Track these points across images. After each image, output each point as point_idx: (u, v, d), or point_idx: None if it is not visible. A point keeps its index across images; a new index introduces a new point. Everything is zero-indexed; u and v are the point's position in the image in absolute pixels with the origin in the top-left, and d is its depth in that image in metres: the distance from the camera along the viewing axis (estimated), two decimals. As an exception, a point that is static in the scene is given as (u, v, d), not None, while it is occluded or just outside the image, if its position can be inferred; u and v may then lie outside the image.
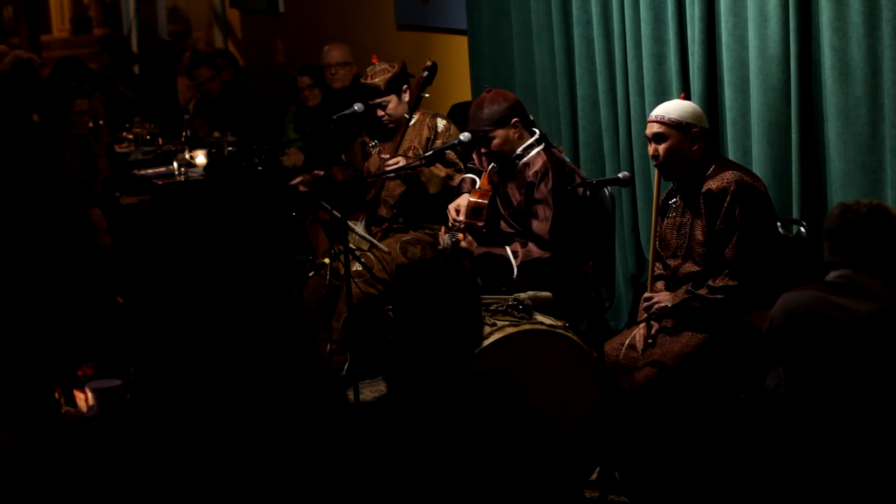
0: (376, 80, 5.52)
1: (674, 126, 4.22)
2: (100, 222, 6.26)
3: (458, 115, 6.25)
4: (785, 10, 4.47)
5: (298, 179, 6.15)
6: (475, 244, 4.87)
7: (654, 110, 4.30)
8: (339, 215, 5.01)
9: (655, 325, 4.32)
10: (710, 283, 4.19)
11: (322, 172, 6.22)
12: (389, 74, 5.52)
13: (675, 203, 4.36)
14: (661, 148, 4.23)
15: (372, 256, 5.45)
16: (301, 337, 5.46)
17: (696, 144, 4.24)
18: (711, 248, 4.21)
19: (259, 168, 6.38)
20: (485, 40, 6.44)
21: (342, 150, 6.09)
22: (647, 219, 5.33)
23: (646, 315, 4.34)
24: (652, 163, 4.38)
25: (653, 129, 4.26)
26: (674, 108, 4.27)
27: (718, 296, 4.16)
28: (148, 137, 7.63)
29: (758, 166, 4.63)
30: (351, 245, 4.91)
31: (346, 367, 5.38)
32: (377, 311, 5.35)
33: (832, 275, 3.47)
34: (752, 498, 2.15)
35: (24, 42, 11.95)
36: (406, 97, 5.58)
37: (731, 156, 4.71)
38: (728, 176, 4.16)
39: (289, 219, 6.31)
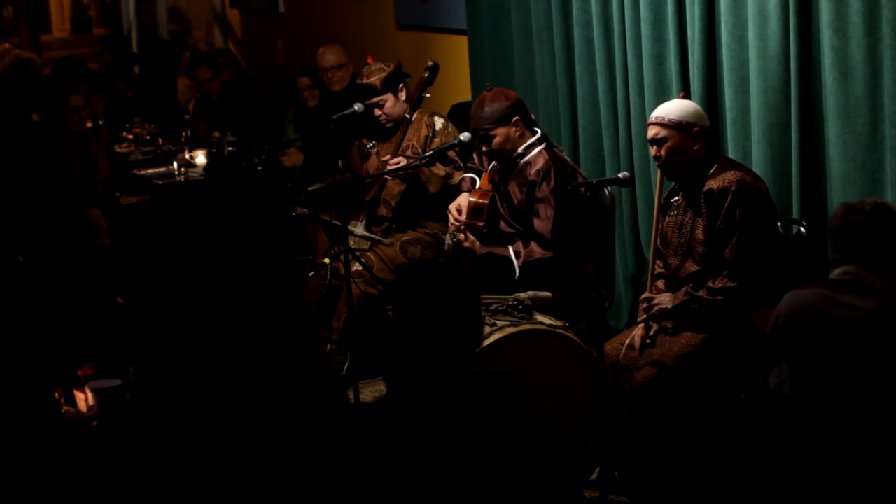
0: (372, 79, 5.53)
1: (674, 126, 4.22)
2: (100, 223, 6.26)
3: (459, 115, 6.25)
4: (785, 10, 4.47)
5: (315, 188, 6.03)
6: (478, 244, 4.87)
7: (654, 111, 4.30)
8: (338, 223, 5.00)
9: (655, 326, 4.32)
10: (710, 284, 4.18)
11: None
12: (385, 73, 5.53)
13: (676, 201, 4.35)
14: (663, 149, 4.23)
15: (372, 256, 5.44)
16: (301, 337, 5.46)
17: (697, 144, 4.24)
18: (712, 248, 4.20)
19: (259, 168, 6.37)
20: (485, 40, 6.44)
21: (342, 150, 6.08)
22: (647, 219, 5.33)
23: (645, 316, 4.34)
24: (654, 163, 4.38)
25: (654, 130, 4.25)
26: (674, 108, 4.27)
27: (718, 297, 4.16)
28: (148, 137, 7.63)
29: (758, 166, 4.63)
30: (351, 245, 4.91)
31: (346, 367, 5.38)
32: (377, 311, 5.34)
33: (836, 272, 3.48)
34: (752, 498, 2.16)
35: (25, 42, 11.95)
36: (402, 96, 5.59)
37: (731, 156, 4.71)
38: (729, 176, 4.16)
39: (289, 219, 6.31)
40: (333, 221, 5.00)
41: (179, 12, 13.20)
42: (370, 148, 5.75)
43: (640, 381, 4.18)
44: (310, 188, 5.96)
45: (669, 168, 4.28)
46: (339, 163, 5.98)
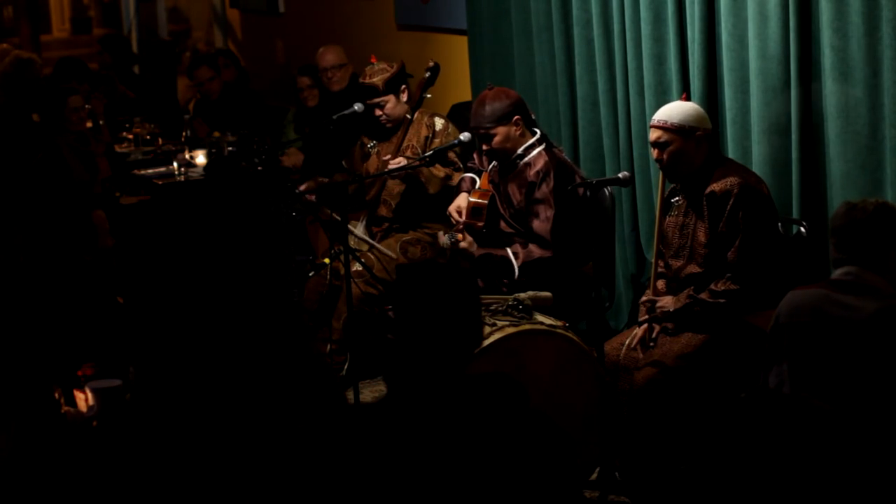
0: (374, 79, 5.52)
1: (677, 130, 4.20)
2: (102, 224, 6.27)
3: (459, 115, 6.25)
4: (785, 10, 4.47)
5: (304, 188, 6.07)
6: (475, 245, 4.87)
7: (656, 114, 4.28)
8: (339, 218, 5.01)
9: (657, 328, 4.32)
10: (712, 287, 4.18)
11: (326, 179, 6.20)
12: (388, 74, 5.53)
13: (677, 202, 4.35)
14: (665, 153, 4.22)
15: (372, 256, 5.44)
16: (301, 337, 5.46)
17: (699, 147, 4.23)
18: (713, 251, 4.20)
19: (259, 168, 6.38)
20: (485, 40, 6.44)
21: (342, 150, 6.08)
22: (648, 219, 5.33)
23: (647, 316, 4.34)
24: (656, 166, 4.37)
25: (656, 134, 4.23)
26: (676, 111, 4.25)
27: (720, 300, 4.15)
28: (148, 137, 7.64)
29: (758, 166, 4.63)
30: (351, 245, 4.91)
31: (346, 367, 5.38)
32: (377, 311, 5.34)
33: (837, 272, 3.47)
34: (752, 498, 2.16)
35: (25, 42, 11.94)
36: (404, 97, 5.59)
37: (731, 156, 4.71)
38: (732, 179, 4.15)
39: (289, 219, 6.31)
40: (334, 215, 4.99)
41: (179, 12, 13.19)
42: (370, 148, 5.75)
43: (640, 381, 4.18)
44: (300, 188, 5.98)
45: (671, 171, 4.27)
46: (343, 162, 5.98)
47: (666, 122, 4.22)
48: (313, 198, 5.82)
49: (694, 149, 4.22)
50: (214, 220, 6.60)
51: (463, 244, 4.88)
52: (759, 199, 4.16)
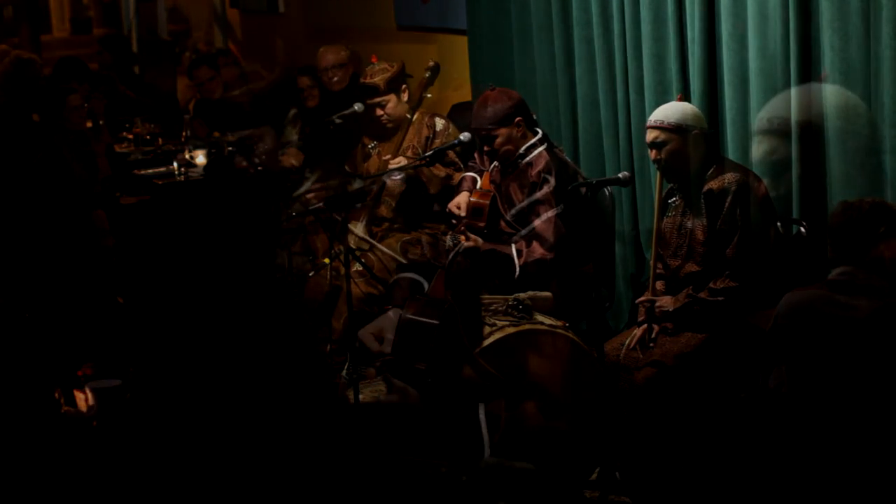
0: (375, 79, 5.53)
1: (674, 130, 4.22)
2: (102, 224, 6.27)
3: (459, 116, 6.25)
4: (785, 10, 4.47)
5: (311, 193, 6.01)
6: (481, 240, 4.87)
7: (653, 115, 4.29)
8: (339, 218, 5.01)
9: (656, 328, 4.32)
10: (711, 285, 4.18)
11: (331, 183, 6.18)
12: (389, 74, 5.53)
13: (674, 202, 4.36)
14: (663, 152, 4.23)
15: (372, 256, 5.45)
16: (301, 337, 5.46)
17: (697, 146, 4.23)
18: (712, 249, 4.21)
19: (259, 168, 6.38)
20: (485, 40, 6.44)
21: (342, 151, 6.08)
22: (647, 219, 5.33)
23: (646, 317, 4.34)
24: (654, 166, 4.37)
25: (653, 134, 4.25)
26: (673, 111, 4.26)
27: (719, 298, 4.16)
28: (148, 137, 7.64)
29: (758, 166, 4.63)
30: (351, 245, 4.91)
31: (346, 367, 5.38)
32: (377, 311, 5.34)
33: (834, 272, 3.48)
34: (751, 497, 2.16)
35: (25, 42, 11.94)
36: (405, 97, 5.59)
37: (731, 156, 4.71)
38: (729, 177, 4.17)
39: (289, 219, 6.31)
40: (335, 216, 4.99)
41: (179, 12, 13.18)
42: (371, 148, 5.75)
43: (640, 381, 4.18)
44: (297, 192, 5.97)
45: (669, 171, 4.27)
46: (346, 167, 5.98)
47: (663, 122, 4.23)
48: (314, 197, 5.81)
49: (692, 148, 4.23)
50: (214, 220, 6.60)
51: (468, 242, 4.87)
52: (758, 196, 4.17)
